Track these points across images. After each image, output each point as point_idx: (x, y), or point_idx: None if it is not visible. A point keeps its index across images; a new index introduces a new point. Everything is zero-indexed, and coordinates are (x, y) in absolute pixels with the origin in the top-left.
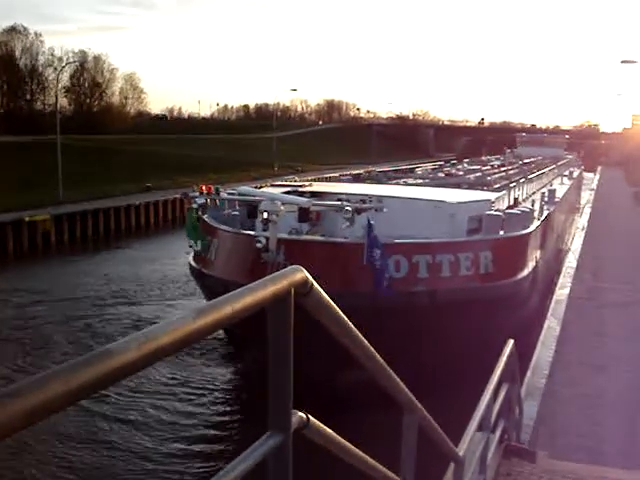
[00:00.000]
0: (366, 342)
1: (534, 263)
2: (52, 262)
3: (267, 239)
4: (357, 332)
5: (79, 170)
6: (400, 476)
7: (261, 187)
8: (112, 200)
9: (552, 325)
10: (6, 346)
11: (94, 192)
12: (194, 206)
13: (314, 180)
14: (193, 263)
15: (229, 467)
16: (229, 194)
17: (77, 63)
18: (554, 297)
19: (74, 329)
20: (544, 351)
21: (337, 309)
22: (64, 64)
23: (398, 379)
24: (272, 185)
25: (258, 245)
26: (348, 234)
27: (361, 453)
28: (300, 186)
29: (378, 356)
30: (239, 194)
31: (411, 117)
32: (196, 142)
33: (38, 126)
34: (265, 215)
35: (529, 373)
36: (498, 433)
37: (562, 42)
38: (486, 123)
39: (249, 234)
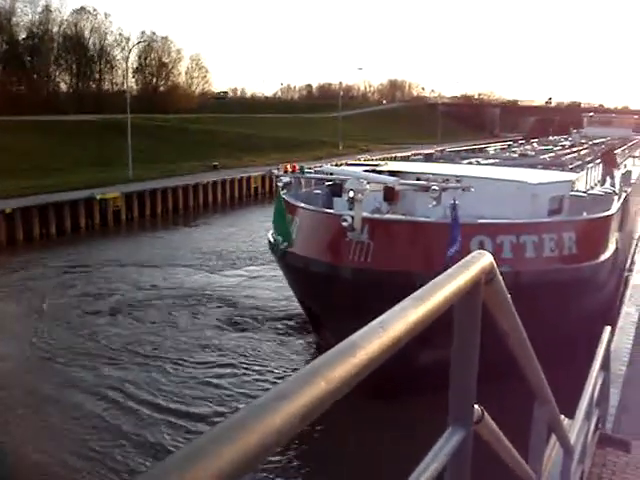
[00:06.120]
0: (525, 334)
1: (614, 246)
2: (122, 238)
3: (352, 218)
4: (520, 323)
5: (146, 149)
6: (528, 465)
7: (339, 165)
8: (179, 179)
9: (630, 311)
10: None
11: (162, 170)
12: (279, 184)
13: (382, 159)
14: (272, 239)
15: (420, 468)
16: (308, 172)
17: (146, 43)
18: (630, 282)
19: (143, 292)
20: (622, 337)
21: (510, 299)
22: (133, 44)
23: (541, 370)
24: (349, 164)
25: (344, 224)
26: (431, 214)
27: (523, 461)
28: (377, 165)
29: (530, 345)
30: (316, 172)
31: (476, 97)
32: (260, 121)
33: (106, 105)
34: (351, 194)
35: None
36: (594, 421)
37: (633, 18)
38: (553, 103)
39: (334, 213)
